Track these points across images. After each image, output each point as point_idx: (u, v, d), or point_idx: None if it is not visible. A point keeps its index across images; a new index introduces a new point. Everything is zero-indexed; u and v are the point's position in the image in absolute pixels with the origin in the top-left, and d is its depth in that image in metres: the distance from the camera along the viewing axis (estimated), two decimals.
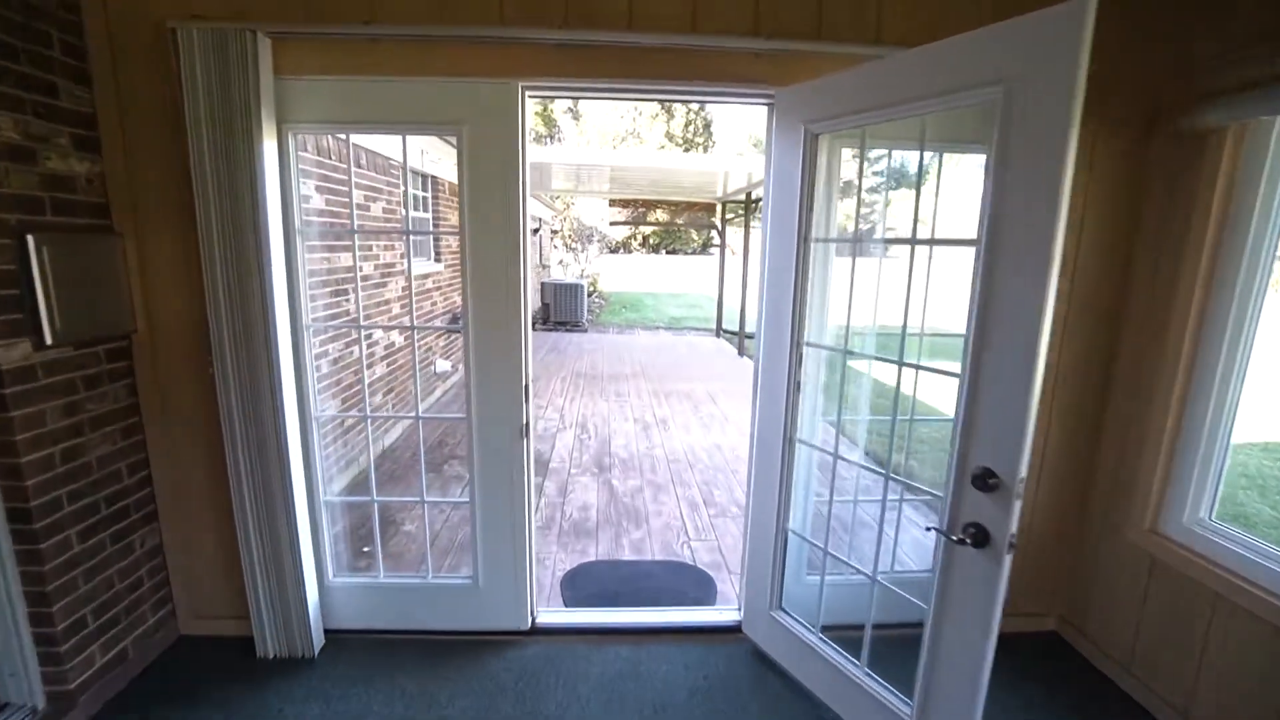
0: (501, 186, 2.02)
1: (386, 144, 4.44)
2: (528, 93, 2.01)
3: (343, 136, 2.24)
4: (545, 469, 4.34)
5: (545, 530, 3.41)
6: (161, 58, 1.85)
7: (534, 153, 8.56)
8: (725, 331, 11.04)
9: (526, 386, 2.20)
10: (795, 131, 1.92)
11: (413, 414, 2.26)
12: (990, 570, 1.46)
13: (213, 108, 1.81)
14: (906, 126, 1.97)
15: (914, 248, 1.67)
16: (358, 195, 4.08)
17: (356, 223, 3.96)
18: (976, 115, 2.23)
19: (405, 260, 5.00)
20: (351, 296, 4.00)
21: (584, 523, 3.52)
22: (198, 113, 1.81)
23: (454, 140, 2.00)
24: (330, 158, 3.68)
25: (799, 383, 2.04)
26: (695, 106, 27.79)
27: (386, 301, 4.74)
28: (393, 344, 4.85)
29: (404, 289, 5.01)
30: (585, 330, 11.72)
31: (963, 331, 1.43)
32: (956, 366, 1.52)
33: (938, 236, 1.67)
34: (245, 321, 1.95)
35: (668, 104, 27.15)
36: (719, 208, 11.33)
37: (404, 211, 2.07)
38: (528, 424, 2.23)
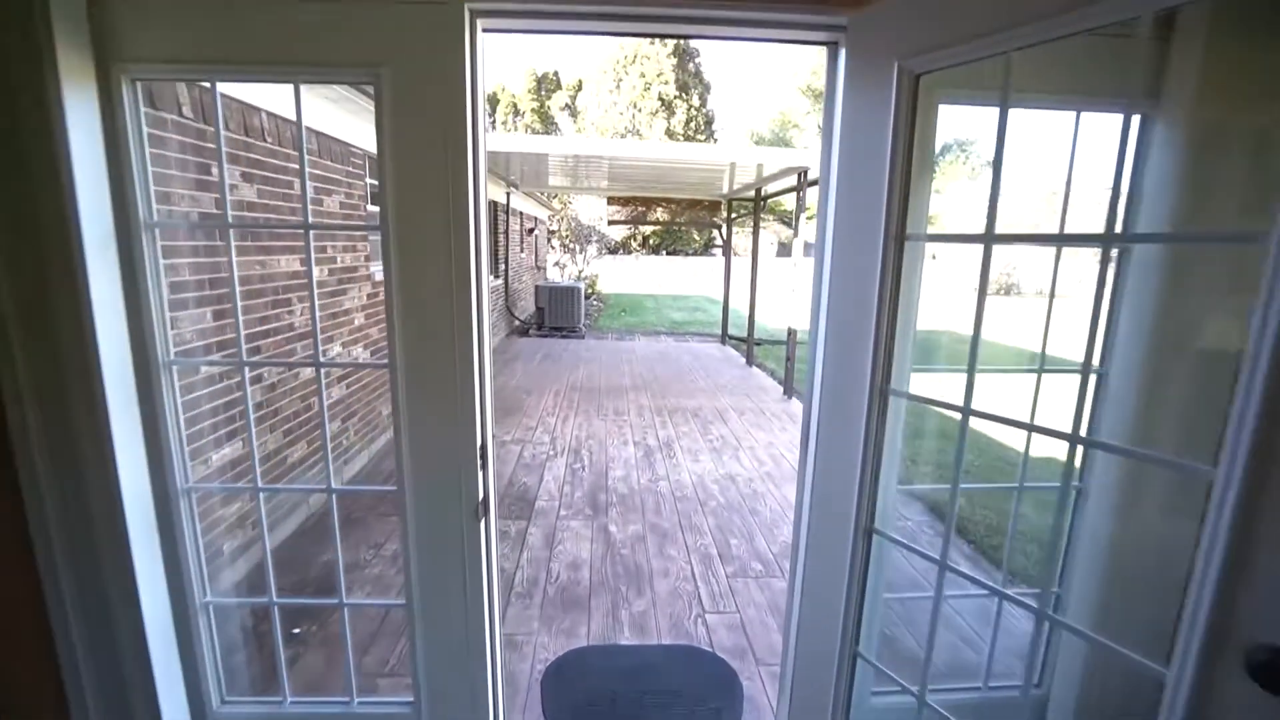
0: (441, 163, 1.37)
1: (335, 123, 3.78)
2: (479, 20, 1.36)
3: (207, 85, 1.60)
4: (530, 509, 3.68)
5: (525, 599, 2.75)
6: None
7: (529, 143, 7.91)
8: (731, 338, 10.39)
9: (484, 447, 1.55)
10: (882, 75, 1.27)
11: (325, 485, 1.60)
12: None
13: None
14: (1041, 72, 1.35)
15: (1107, 251, 1.02)
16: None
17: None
18: (1101, 56, 1.58)
19: (368, 264, 4.35)
20: (297, 308, 3.35)
21: (574, 586, 2.87)
22: None
23: (371, 91, 1.35)
24: (265, 138, 3.03)
25: (881, 448, 1.39)
26: (696, 102, 27.08)
27: (347, 312, 4.09)
28: (355, 359, 4.19)
29: (369, 296, 4.36)
30: (583, 336, 11.06)
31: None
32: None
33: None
34: (54, 360, 1.30)
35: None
36: (724, 206, 10.68)
37: (304, 200, 1.40)
38: (487, 498, 1.58)
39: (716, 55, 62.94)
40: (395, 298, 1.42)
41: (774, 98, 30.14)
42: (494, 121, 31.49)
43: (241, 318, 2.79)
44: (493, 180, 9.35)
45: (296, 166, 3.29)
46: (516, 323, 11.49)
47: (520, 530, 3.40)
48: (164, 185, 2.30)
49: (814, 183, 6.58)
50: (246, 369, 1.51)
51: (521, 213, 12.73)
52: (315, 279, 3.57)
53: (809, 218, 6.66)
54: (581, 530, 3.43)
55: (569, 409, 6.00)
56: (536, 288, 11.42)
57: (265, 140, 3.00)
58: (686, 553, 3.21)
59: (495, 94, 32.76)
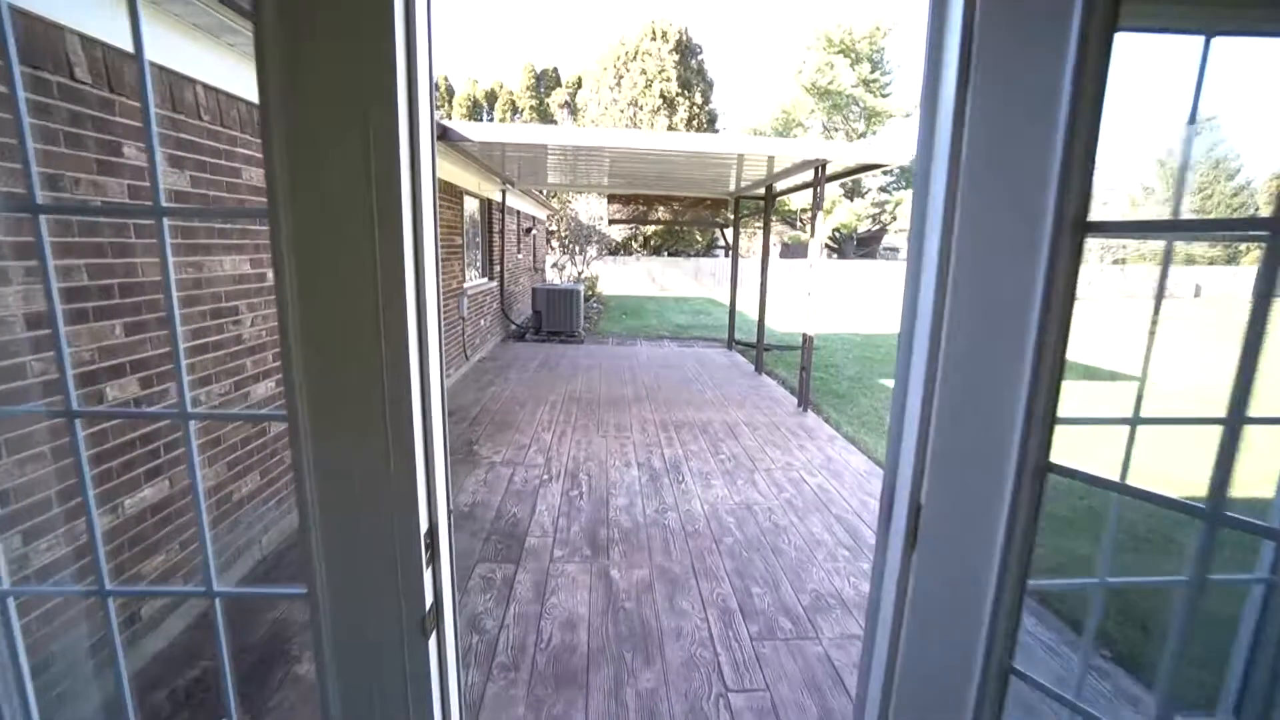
0: (359, 120, 0.90)
1: None
2: None
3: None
4: (520, 549, 3.20)
5: (510, 672, 2.27)
6: None
7: (525, 133, 7.44)
8: (738, 343, 9.91)
9: (433, 532, 1.08)
10: None
11: (205, 586, 1.13)
12: None
13: None
14: None
15: None
16: (255, 175, 2.94)
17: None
18: None
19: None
20: (246, 318, 2.87)
21: (568, 654, 2.39)
22: None
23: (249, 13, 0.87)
24: (202, 116, 2.55)
25: (1031, 548, 0.91)
26: (699, 100, 26.55)
27: None
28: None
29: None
30: (582, 341, 10.58)
31: None
32: None
33: None
34: None
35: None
36: (730, 205, 10.21)
37: (154, 176, 0.90)
38: (438, 606, 1.11)
39: (720, 52, 62.57)
40: (291, 320, 0.94)
41: (777, 96, 29.58)
42: (491, 118, 31.05)
43: (187, 329, 2.32)
44: (488, 177, 8.87)
45: (243, 151, 2.82)
46: (512, 327, 11.01)
47: (508, 577, 2.92)
48: (50, 166, 1.83)
49: (833, 178, 6.11)
50: (78, 422, 1.02)
51: (518, 211, 12.25)
52: (266, 284, 3.08)
53: (826, 212, 6.17)
54: (579, 576, 2.95)
55: (566, 423, 5.52)
56: (534, 290, 10.94)
57: (202, 118, 2.52)
58: (702, 606, 2.73)
59: (493, 90, 32.35)
